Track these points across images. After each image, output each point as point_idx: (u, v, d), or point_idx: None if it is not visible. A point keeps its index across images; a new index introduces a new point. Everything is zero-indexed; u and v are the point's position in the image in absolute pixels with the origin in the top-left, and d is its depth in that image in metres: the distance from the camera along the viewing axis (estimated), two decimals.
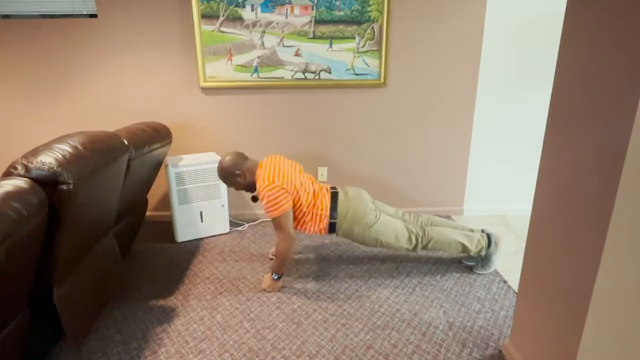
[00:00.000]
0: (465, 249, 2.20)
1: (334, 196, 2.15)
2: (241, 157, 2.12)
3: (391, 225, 2.16)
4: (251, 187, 2.14)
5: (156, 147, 2.22)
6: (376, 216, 2.15)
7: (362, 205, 2.13)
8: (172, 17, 2.67)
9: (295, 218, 2.12)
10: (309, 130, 2.94)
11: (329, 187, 2.21)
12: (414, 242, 2.17)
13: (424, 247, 2.19)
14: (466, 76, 2.84)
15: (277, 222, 2.02)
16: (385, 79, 2.81)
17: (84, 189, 1.45)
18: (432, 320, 1.89)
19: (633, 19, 1.00)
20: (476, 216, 3.11)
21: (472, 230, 2.28)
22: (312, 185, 2.17)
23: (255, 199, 2.24)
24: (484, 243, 2.22)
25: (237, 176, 2.09)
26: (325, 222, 2.12)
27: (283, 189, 2.00)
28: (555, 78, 1.33)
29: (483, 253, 2.24)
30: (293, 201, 2.06)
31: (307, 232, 2.17)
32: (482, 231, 2.28)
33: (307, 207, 2.11)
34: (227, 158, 2.11)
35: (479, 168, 3.05)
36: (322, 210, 2.11)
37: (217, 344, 1.74)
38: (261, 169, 2.07)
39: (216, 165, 2.64)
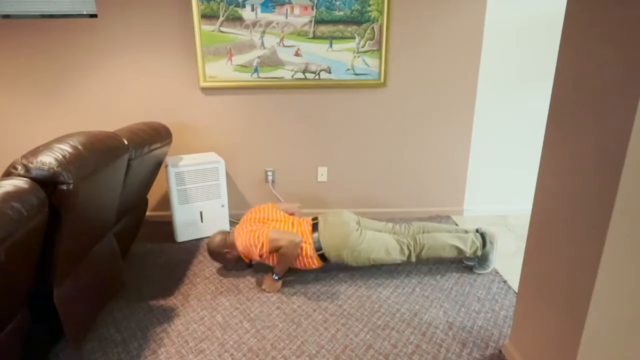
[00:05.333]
0: (460, 251, 2.20)
1: (315, 227, 2.17)
2: (225, 235, 2.25)
3: (379, 241, 2.15)
4: (240, 256, 2.22)
5: (156, 147, 2.22)
6: (361, 234, 2.13)
7: (343, 229, 2.13)
8: (172, 17, 2.67)
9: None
10: (308, 130, 2.93)
11: (310, 219, 2.25)
12: (406, 252, 2.16)
13: (418, 256, 2.18)
14: (466, 76, 2.84)
15: (273, 245, 2.04)
16: (385, 79, 2.81)
17: (84, 189, 1.45)
18: (432, 320, 1.89)
19: (632, 18, 1.00)
20: (476, 216, 3.11)
21: (465, 232, 2.28)
22: (288, 223, 2.21)
23: (250, 264, 2.34)
24: (478, 243, 2.22)
25: (226, 254, 2.21)
26: (312, 254, 2.12)
27: (252, 229, 2.10)
28: (555, 78, 1.33)
29: (479, 253, 2.24)
30: (271, 247, 2.08)
31: (300, 267, 2.17)
32: (477, 231, 2.28)
33: None
34: (215, 240, 2.22)
35: (479, 168, 3.05)
36: (306, 243, 2.12)
37: (217, 344, 1.74)
38: (235, 238, 2.17)
39: (216, 165, 2.65)
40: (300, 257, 2.12)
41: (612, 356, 1.24)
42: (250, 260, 2.26)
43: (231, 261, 2.28)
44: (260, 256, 2.08)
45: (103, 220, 1.79)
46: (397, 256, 2.16)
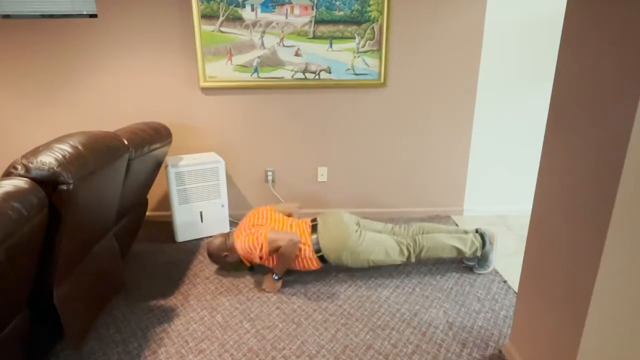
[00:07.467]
0: (459, 252, 2.20)
1: (314, 229, 2.17)
2: (225, 237, 2.25)
3: (379, 242, 2.14)
4: (240, 259, 2.21)
5: (156, 147, 2.22)
6: (360, 236, 2.13)
7: (343, 231, 2.12)
8: (172, 17, 2.67)
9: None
10: (308, 130, 2.93)
11: (309, 220, 2.25)
12: (405, 253, 2.16)
13: (418, 257, 2.18)
14: (466, 76, 2.84)
15: (273, 246, 2.04)
16: (385, 79, 2.81)
17: (84, 189, 1.45)
18: (432, 320, 1.89)
19: (632, 19, 1.00)
20: (476, 216, 3.11)
21: (465, 232, 2.28)
22: (287, 225, 2.20)
23: (251, 268, 2.33)
24: (478, 243, 2.22)
25: (225, 257, 2.21)
26: (312, 256, 2.12)
27: (251, 232, 2.10)
28: (555, 78, 1.33)
29: (479, 253, 2.24)
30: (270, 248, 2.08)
31: (300, 269, 2.17)
32: (476, 231, 2.28)
33: None
34: (214, 243, 2.22)
35: (479, 168, 3.05)
36: (304, 245, 2.12)
37: (217, 344, 1.74)
38: (234, 240, 2.17)
39: (216, 165, 2.65)
40: (300, 259, 2.12)
41: (612, 356, 1.24)
42: (252, 265, 2.25)
43: (230, 265, 2.28)
44: (261, 258, 2.07)
45: (103, 220, 1.79)
46: (396, 257, 2.16)
